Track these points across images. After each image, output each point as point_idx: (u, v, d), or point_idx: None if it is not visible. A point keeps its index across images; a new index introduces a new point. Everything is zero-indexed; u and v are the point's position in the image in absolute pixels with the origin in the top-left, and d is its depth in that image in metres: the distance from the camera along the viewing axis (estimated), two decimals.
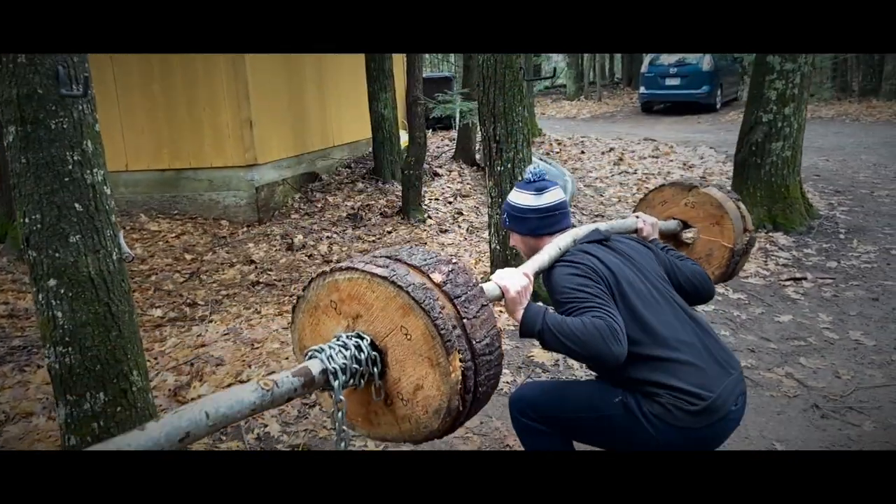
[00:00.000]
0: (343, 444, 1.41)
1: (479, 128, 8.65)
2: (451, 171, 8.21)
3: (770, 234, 5.38)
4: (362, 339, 1.39)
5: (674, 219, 2.54)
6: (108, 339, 2.12)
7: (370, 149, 9.05)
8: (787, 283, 4.49)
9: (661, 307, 1.82)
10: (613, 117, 16.80)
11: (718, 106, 16.67)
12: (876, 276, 4.55)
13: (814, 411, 2.92)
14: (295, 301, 1.51)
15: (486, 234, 6.05)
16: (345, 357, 1.38)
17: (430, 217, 6.53)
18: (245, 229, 6.47)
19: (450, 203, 7.07)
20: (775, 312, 4.02)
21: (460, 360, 1.32)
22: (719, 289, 4.32)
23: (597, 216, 6.47)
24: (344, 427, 1.40)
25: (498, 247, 3.98)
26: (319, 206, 7.10)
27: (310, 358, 1.36)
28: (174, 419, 1.06)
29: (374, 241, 6.06)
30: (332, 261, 5.63)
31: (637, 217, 2.28)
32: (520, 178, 3.75)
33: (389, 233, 6.23)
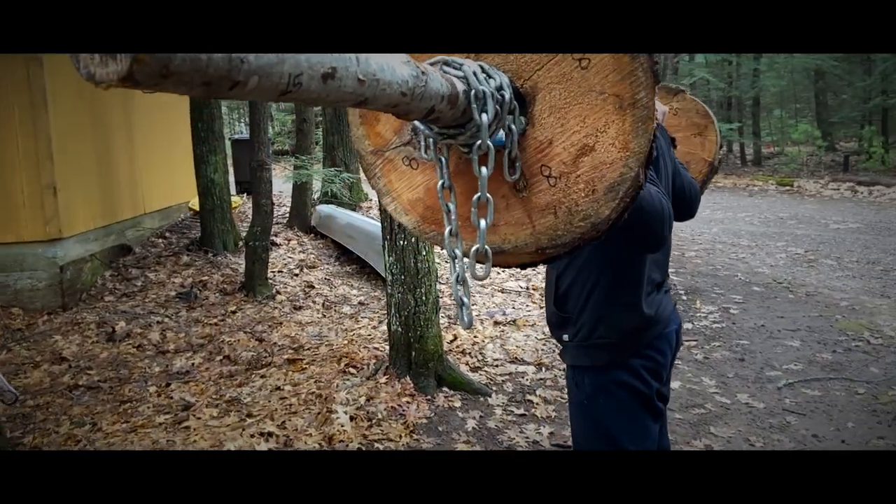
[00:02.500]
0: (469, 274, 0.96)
1: (314, 191, 8.18)
2: (288, 240, 7.60)
3: None
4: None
5: None
6: None
7: (183, 215, 8.15)
8: None
9: None
10: None
11: None
12: (730, 335, 4.89)
13: None
14: None
15: (341, 311, 5.57)
16: (488, 87, 0.89)
17: (278, 293, 5.89)
18: (46, 318, 5.28)
19: (296, 276, 6.48)
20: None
21: None
22: None
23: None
24: (487, 203, 0.92)
25: (399, 329, 3.57)
26: (139, 284, 6.08)
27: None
28: (315, 55, 0.67)
29: (216, 324, 5.26)
30: (167, 351, 4.76)
31: None
32: (423, 253, 3.43)
33: (234, 313, 5.48)
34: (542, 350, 4.43)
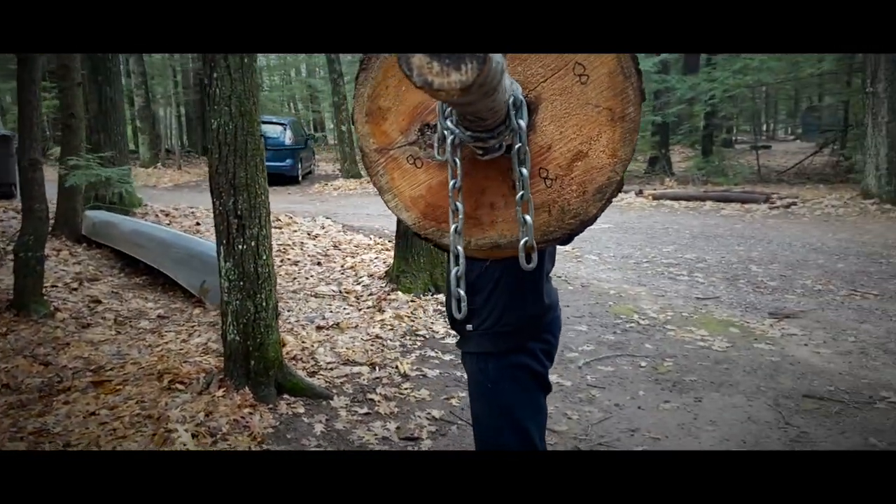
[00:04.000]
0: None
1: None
2: (58, 251, 6.68)
3: (435, 296, 5.90)
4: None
5: None
6: None
7: None
8: None
9: None
10: (199, 187, 16.14)
11: (300, 178, 17.65)
12: None
13: None
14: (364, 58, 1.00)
15: (138, 326, 5.09)
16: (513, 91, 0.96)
17: (57, 310, 5.17)
18: None
19: (75, 290, 5.73)
20: None
21: None
22: (441, 354, 4.55)
23: None
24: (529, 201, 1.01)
25: (238, 338, 3.39)
26: None
27: None
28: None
29: None
30: None
31: None
32: (263, 258, 3.33)
33: (4, 335, 4.70)
34: (372, 350, 4.50)
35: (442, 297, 5.85)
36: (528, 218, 1.01)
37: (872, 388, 4.03)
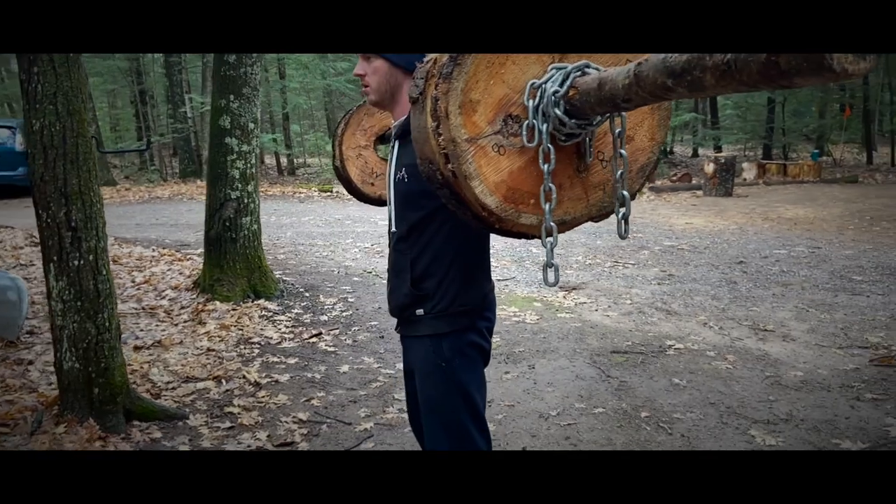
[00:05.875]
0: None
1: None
2: None
3: (256, 302, 5.69)
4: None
5: None
6: None
7: None
8: (312, 339, 4.95)
9: None
10: None
11: None
12: (361, 319, 5.50)
13: None
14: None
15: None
16: None
17: None
18: None
19: None
20: (336, 365, 4.43)
21: None
22: (285, 358, 4.43)
23: None
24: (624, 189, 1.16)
25: (77, 365, 2.98)
26: None
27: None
28: None
29: None
30: None
31: None
32: (103, 273, 3.02)
33: None
34: (210, 363, 4.24)
35: (264, 301, 5.67)
36: (625, 193, 1.17)
37: (659, 339, 4.87)
